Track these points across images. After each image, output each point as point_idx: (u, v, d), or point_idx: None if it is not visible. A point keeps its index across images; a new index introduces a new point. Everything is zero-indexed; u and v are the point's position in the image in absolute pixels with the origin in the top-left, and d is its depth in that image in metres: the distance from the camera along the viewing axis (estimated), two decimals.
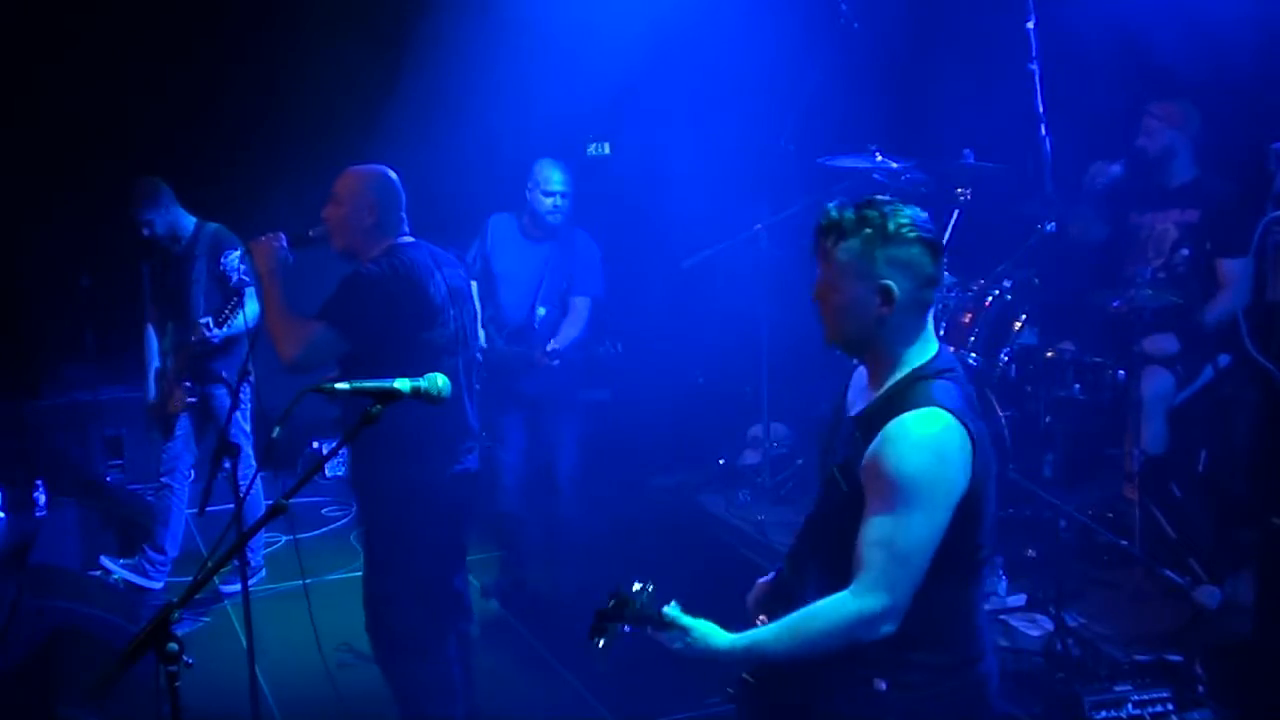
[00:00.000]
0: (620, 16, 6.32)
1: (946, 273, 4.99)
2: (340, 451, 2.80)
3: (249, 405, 5.85)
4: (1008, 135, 5.07)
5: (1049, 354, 4.99)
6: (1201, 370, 4.94)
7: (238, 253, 5.57)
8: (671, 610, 2.53)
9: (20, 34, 6.75)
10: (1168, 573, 4.62)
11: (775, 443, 6.47)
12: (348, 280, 3.83)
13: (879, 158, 5.36)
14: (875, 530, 2.38)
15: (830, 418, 2.73)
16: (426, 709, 4.00)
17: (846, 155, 5.51)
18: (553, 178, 5.50)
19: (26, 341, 7.35)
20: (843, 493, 2.47)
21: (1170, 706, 3.82)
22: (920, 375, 2.47)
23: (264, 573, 5.89)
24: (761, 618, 2.65)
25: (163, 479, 5.87)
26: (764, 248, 5.98)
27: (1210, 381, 4.94)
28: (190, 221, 5.83)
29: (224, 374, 5.70)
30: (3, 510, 6.24)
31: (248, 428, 5.83)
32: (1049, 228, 4.90)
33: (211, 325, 5.37)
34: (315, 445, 7.34)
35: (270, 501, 3.58)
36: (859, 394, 2.59)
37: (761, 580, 2.83)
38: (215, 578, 5.06)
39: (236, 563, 4.18)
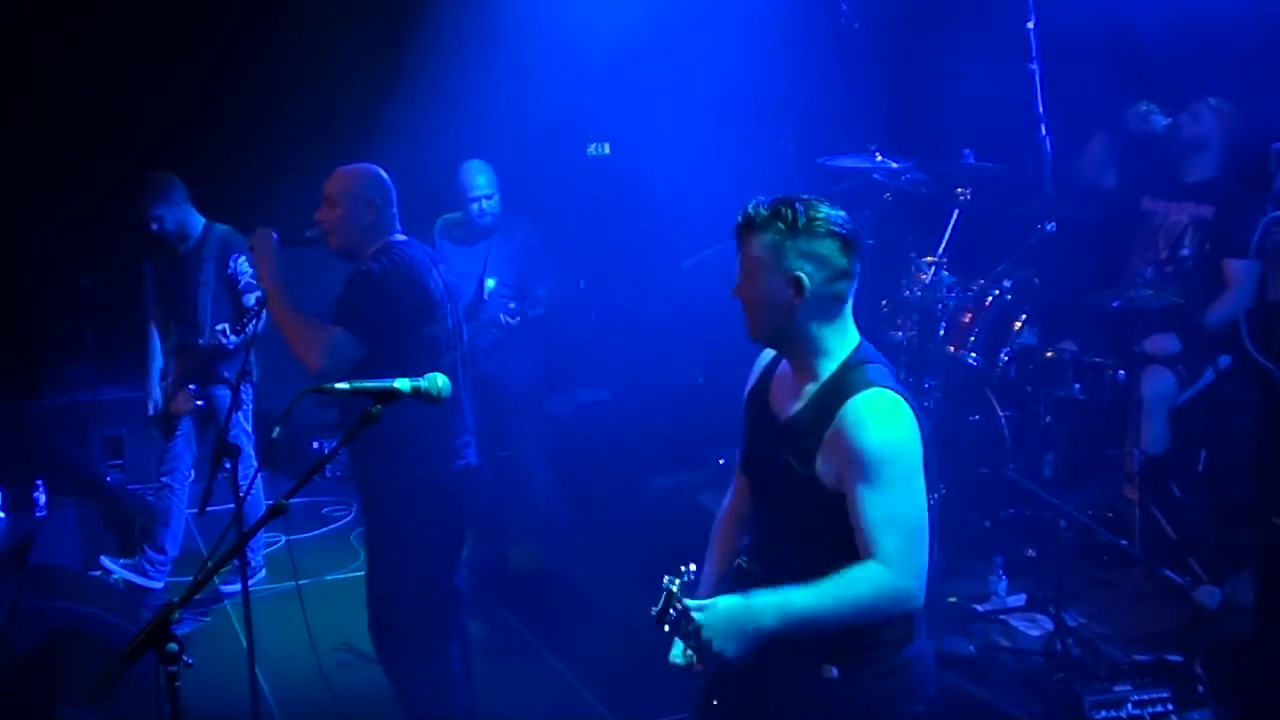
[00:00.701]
0: (621, 16, 6.32)
1: (946, 273, 5.07)
2: (341, 451, 2.79)
3: (250, 405, 5.84)
4: (1008, 135, 5.07)
5: (1049, 354, 4.99)
6: (1203, 371, 4.94)
7: (245, 256, 5.61)
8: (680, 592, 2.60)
9: (20, 34, 6.76)
10: (1168, 573, 4.62)
11: None
12: (354, 280, 3.82)
13: (879, 158, 5.36)
14: (875, 509, 2.43)
15: (749, 410, 2.84)
16: (429, 709, 4.00)
17: (846, 155, 5.52)
18: (475, 183, 5.57)
19: (26, 341, 7.35)
20: (801, 478, 2.53)
21: (1170, 706, 3.82)
22: (851, 365, 2.57)
23: (264, 573, 5.89)
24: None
25: (163, 479, 5.86)
26: None
27: (1211, 382, 4.94)
28: (199, 222, 5.78)
29: (225, 374, 5.70)
30: (3, 510, 6.24)
31: (249, 427, 5.83)
32: (1049, 228, 4.90)
33: (229, 332, 5.38)
34: (315, 445, 7.34)
35: (270, 501, 3.57)
36: (786, 394, 2.66)
37: (704, 572, 2.86)
38: (215, 578, 5.06)
39: (236, 563, 4.18)
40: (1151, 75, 5.08)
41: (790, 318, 2.55)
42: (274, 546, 6.13)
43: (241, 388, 5.55)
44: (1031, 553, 4.94)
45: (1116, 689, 3.84)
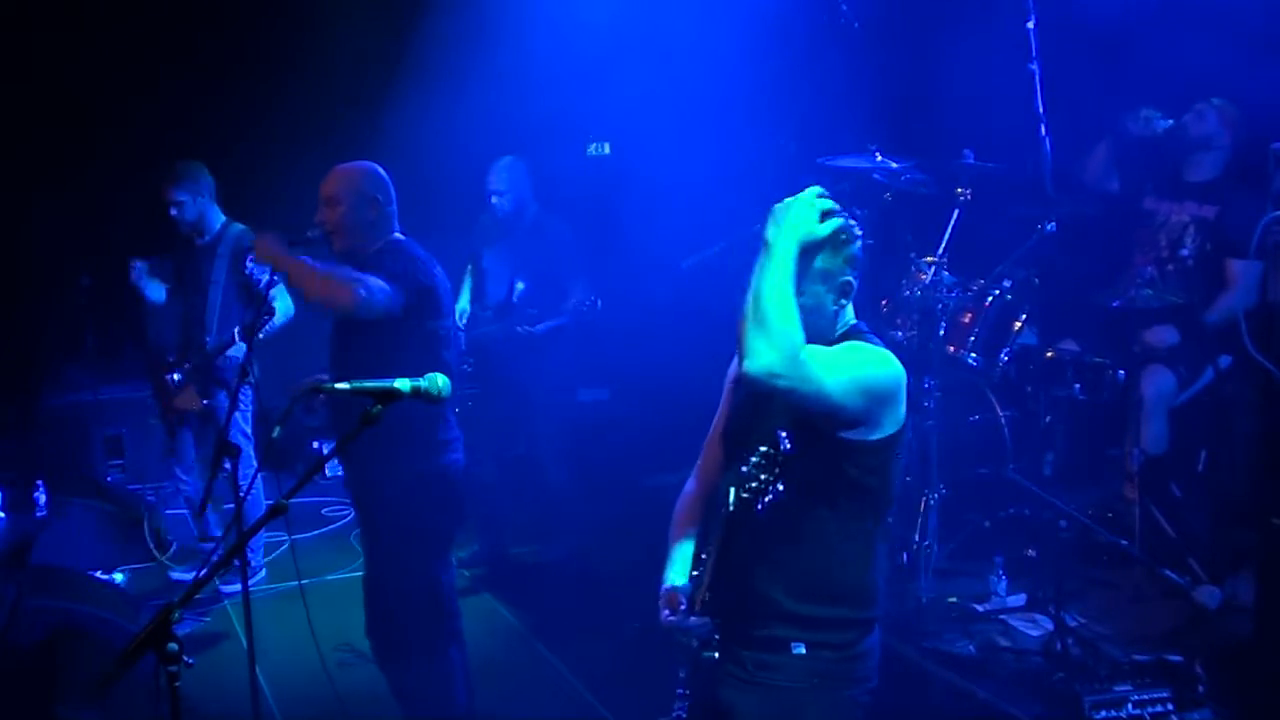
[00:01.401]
0: (621, 16, 6.32)
1: (946, 273, 5.07)
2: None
3: (250, 407, 5.84)
4: (1008, 135, 5.07)
5: (1049, 354, 4.99)
6: (1203, 370, 4.94)
7: None
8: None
9: (20, 34, 6.75)
10: (1168, 573, 4.63)
11: None
12: (382, 250, 3.83)
13: (879, 158, 5.36)
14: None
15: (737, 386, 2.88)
16: (432, 709, 4.00)
17: (846, 155, 5.51)
18: (491, 179, 5.83)
19: (26, 341, 7.35)
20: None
21: (1170, 706, 3.82)
22: (858, 329, 2.73)
23: (264, 573, 5.89)
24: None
25: (176, 470, 5.88)
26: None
27: (1211, 381, 4.94)
28: (220, 218, 5.78)
29: (225, 375, 5.70)
30: (3, 510, 6.24)
31: (247, 429, 5.83)
32: (1049, 228, 4.89)
33: (238, 337, 5.40)
34: (315, 445, 7.34)
35: (270, 501, 3.57)
36: None
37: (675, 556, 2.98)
38: (215, 578, 5.06)
39: (237, 563, 4.18)
40: (1151, 75, 5.07)
41: (835, 319, 2.71)
42: (278, 551, 6.13)
43: (241, 390, 5.55)
44: (1031, 553, 4.93)
45: (1116, 689, 3.84)
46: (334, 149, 4.40)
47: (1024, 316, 5.05)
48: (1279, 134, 3.96)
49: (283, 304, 5.29)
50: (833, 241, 2.64)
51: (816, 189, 2.64)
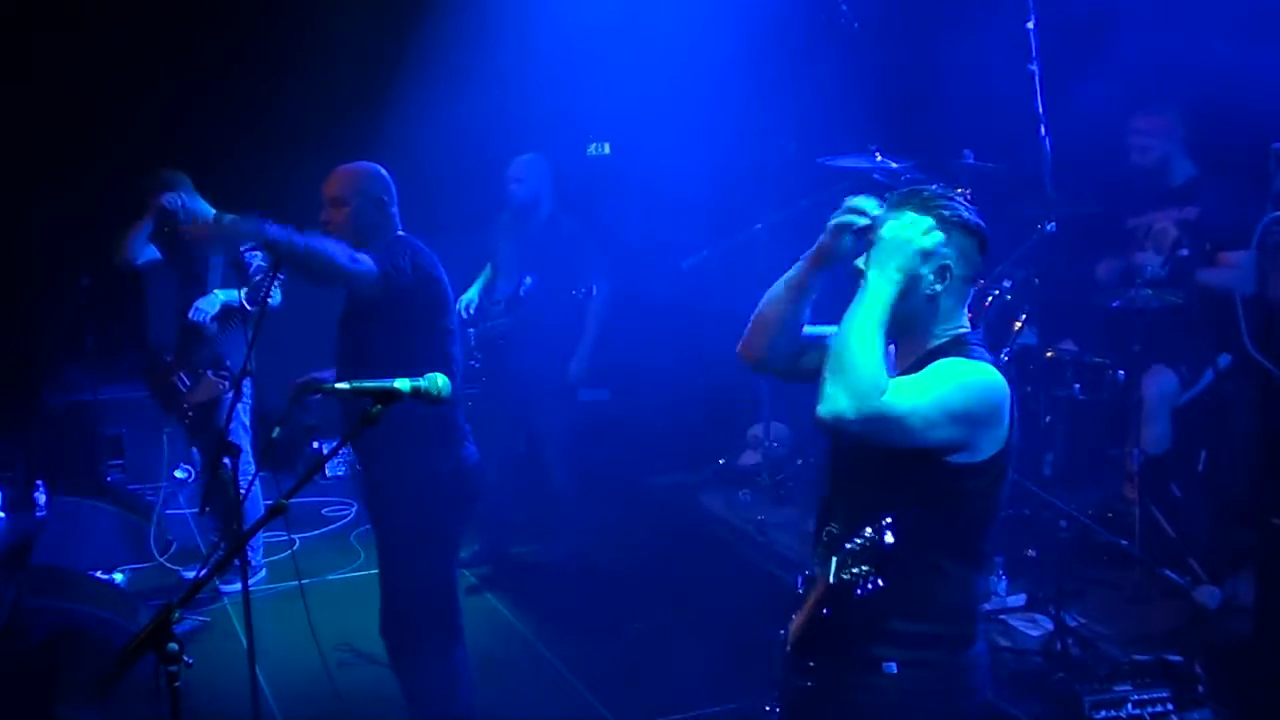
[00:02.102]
0: (621, 16, 6.32)
1: None
2: (340, 452, 2.79)
3: (249, 400, 5.86)
4: (1008, 135, 5.07)
5: (1049, 354, 4.99)
6: (1204, 370, 4.95)
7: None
8: None
9: (20, 33, 6.75)
10: (1168, 573, 4.63)
11: (775, 443, 6.48)
12: (389, 244, 3.83)
13: (879, 158, 5.36)
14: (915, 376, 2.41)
15: None
16: (437, 709, 3.99)
17: (846, 155, 5.51)
18: (511, 169, 5.90)
19: (26, 341, 7.35)
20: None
21: (1170, 706, 3.82)
22: (963, 339, 2.54)
23: (264, 573, 5.89)
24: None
25: (182, 465, 5.91)
26: (764, 248, 6.01)
27: (1211, 381, 4.94)
28: (210, 214, 5.86)
29: (227, 363, 5.72)
30: (3, 510, 6.24)
31: (246, 421, 5.84)
32: (1049, 228, 4.90)
33: (246, 302, 5.48)
34: (315, 445, 7.34)
35: (269, 501, 3.57)
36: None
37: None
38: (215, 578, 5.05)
39: (237, 562, 4.19)
40: (1150, 74, 5.07)
41: (932, 306, 2.53)
42: (283, 554, 6.12)
43: (242, 381, 5.57)
44: (1031, 553, 4.93)
45: (1116, 689, 3.84)
46: (334, 149, 4.39)
47: (1024, 316, 5.05)
48: (1278, 133, 3.96)
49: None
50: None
51: (911, 212, 2.48)
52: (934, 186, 2.60)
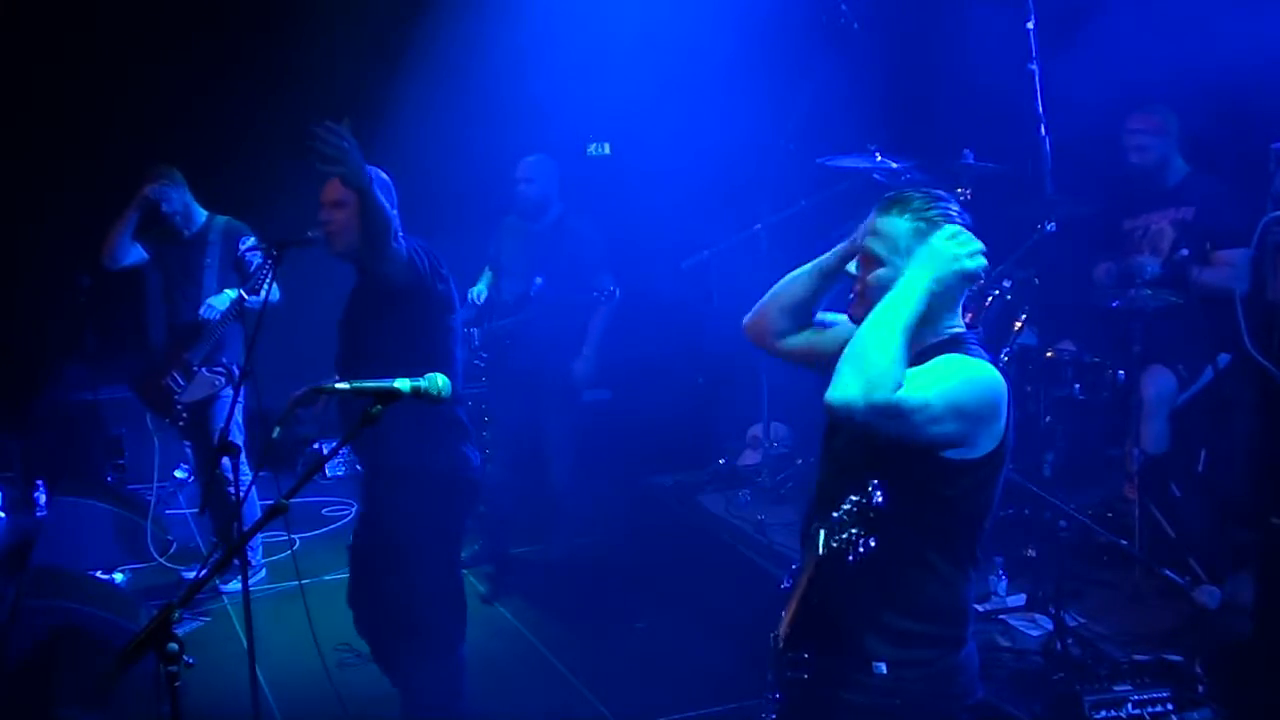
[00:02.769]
0: (621, 16, 6.32)
1: None
2: (340, 451, 2.78)
3: (243, 403, 5.84)
4: (1008, 135, 5.07)
5: (1049, 354, 4.99)
6: (1203, 370, 4.95)
7: (253, 239, 5.75)
8: None
9: (19, 34, 6.75)
10: (1168, 573, 4.63)
11: (775, 443, 6.48)
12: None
13: (879, 158, 5.36)
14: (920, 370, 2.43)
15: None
16: (438, 708, 3.99)
17: (846, 155, 5.52)
18: (520, 169, 5.89)
19: (26, 341, 7.35)
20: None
21: (1170, 706, 3.82)
22: (960, 338, 2.59)
23: (264, 573, 5.89)
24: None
25: (183, 466, 5.90)
26: (764, 248, 6.01)
27: (1210, 381, 4.94)
28: (203, 212, 5.88)
29: (224, 360, 5.72)
30: (3, 510, 6.25)
31: (241, 420, 5.83)
32: (1049, 228, 4.90)
33: (247, 294, 5.47)
34: (315, 445, 7.34)
35: (267, 501, 3.57)
36: None
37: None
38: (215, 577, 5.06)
39: (237, 562, 4.18)
40: (1150, 74, 5.07)
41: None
42: (282, 555, 6.12)
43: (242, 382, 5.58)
44: (1031, 553, 4.93)
45: (1116, 689, 3.84)
46: None
47: (1024, 316, 5.06)
48: (1277, 133, 3.96)
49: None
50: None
51: (952, 228, 2.54)
52: (927, 190, 2.63)
